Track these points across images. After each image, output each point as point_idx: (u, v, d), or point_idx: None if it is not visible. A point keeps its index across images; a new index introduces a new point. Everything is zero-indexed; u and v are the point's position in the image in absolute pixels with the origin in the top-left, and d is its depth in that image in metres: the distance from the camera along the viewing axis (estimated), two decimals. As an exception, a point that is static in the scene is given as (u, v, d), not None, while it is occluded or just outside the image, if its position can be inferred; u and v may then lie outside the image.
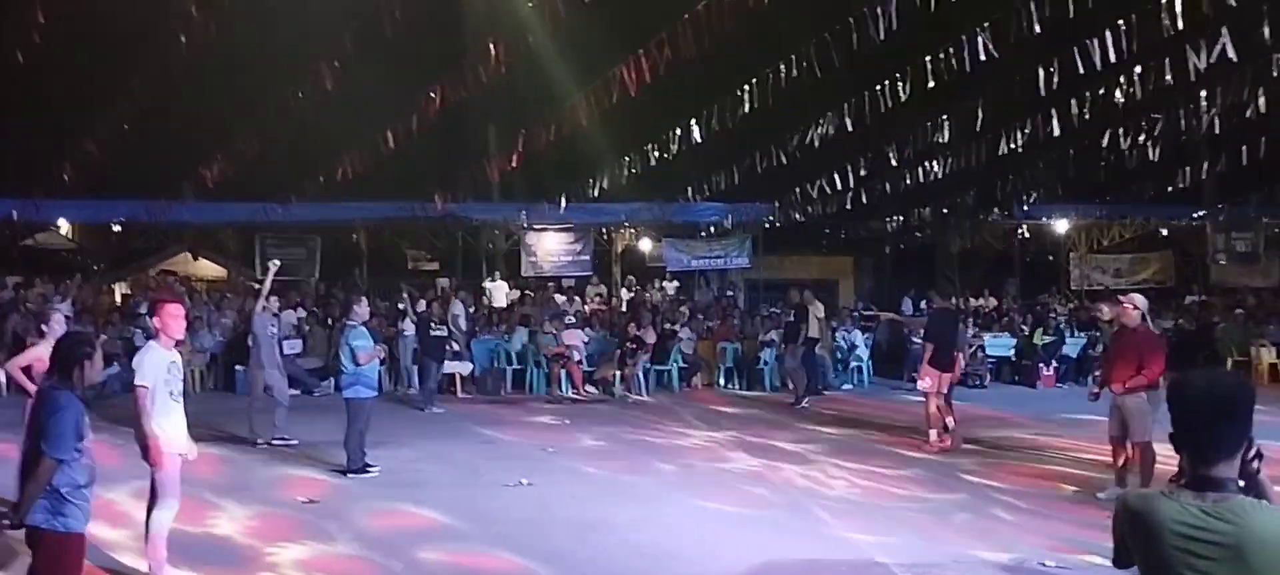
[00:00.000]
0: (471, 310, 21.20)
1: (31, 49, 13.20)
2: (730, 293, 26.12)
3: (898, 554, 7.59)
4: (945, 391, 12.49)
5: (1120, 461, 9.62)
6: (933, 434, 12.44)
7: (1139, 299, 9.94)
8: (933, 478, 10.71)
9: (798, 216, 24.08)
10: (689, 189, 21.46)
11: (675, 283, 25.62)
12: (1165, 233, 27.26)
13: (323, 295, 22.86)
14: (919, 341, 14.18)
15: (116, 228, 24.40)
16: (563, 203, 21.98)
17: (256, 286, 16.99)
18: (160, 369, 6.77)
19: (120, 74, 15.10)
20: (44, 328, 8.53)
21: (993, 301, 25.71)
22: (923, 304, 21.31)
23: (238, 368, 17.65)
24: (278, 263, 14.77)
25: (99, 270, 25.06)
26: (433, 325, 16.72)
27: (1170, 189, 22.58)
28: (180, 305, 7.57)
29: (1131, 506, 2.74)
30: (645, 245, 27.11)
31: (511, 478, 10.39)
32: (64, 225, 24.00)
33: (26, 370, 8.62)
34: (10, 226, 22.66)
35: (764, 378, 19.47)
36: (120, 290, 22.52)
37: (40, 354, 8.34)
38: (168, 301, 7.43)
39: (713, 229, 25.34)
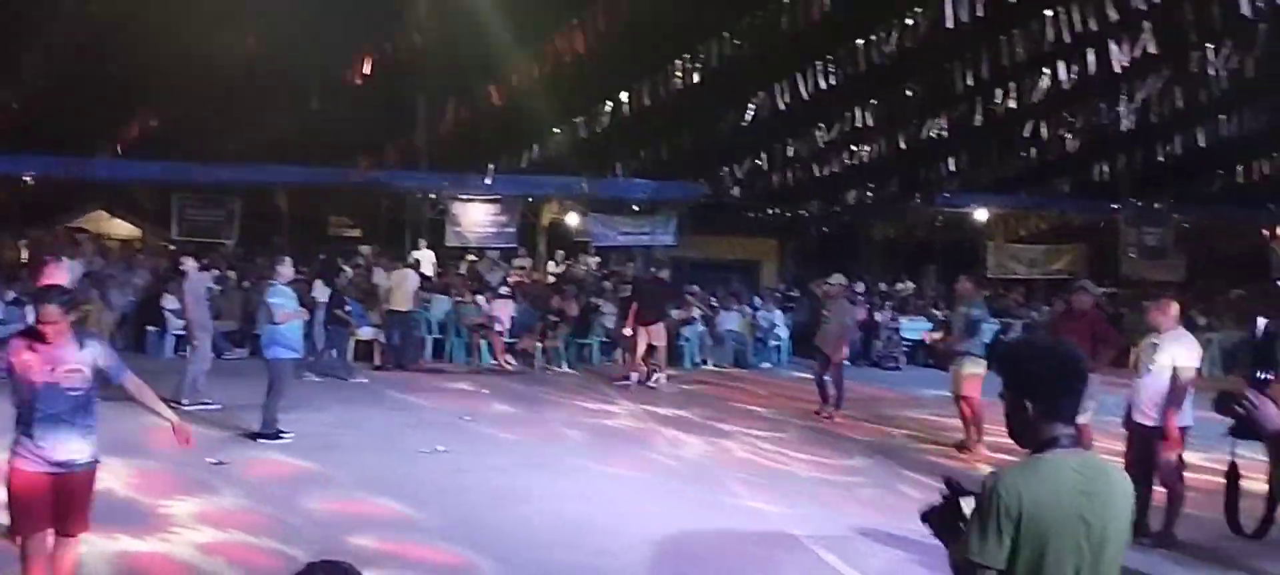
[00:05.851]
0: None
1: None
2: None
3: (807, 526, 7.71)
4: None
5: None
6: None
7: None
8: (840, 454, 10.92)
9: (731, 194, 24.16)
10: (617, 165, 21.43)
11: (597, 258, 25.50)
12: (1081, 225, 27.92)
13: (241, 258, 22.36)
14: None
15: (27, 181, 23.56)
16: (490, 173, 21.73)
17: (172, 248, 16.52)
18: None
19: (40, 25, 14.64)
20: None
21: (911, 286, 26.12)
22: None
23: (149, 328, 17.31)
24: None
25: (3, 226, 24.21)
26: (340, 302, 16.35)
27: (1086, 183, 23.30)
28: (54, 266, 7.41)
29: None
30: (572, 219, 26.98)
31: (428, 445, 10.36)
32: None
33: None
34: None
35: (683, 355, 19.52)
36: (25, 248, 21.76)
37: None
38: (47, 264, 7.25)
39: (639, 206, 25.32)
